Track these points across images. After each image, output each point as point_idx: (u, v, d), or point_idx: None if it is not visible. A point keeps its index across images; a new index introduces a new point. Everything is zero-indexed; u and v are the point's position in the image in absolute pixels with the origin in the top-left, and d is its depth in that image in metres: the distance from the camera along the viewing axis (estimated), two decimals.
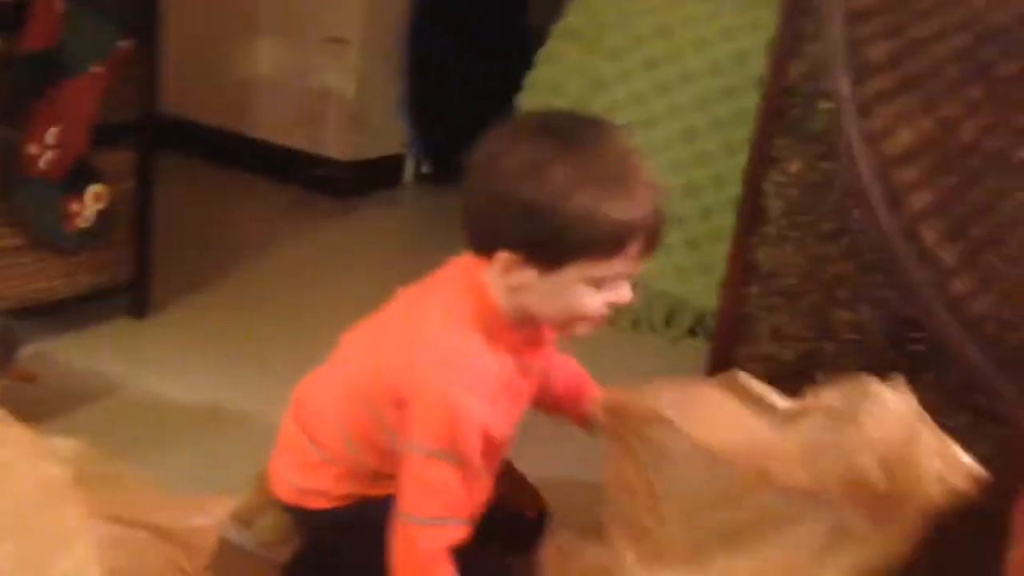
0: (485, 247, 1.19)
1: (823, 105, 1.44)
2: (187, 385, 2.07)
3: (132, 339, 2.25)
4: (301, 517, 1.39)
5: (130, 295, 2.31)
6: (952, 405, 1.33)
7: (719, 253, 2.03)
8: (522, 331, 1.25)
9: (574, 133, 1.18)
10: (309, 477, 1.35)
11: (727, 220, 1.94)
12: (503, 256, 1.17)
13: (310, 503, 1.35)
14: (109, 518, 1.09)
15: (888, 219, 1.36)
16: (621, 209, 1.14)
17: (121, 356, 2.15)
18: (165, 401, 2.00)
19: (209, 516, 1.17)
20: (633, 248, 1.16)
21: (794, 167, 1.49)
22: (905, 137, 1.34)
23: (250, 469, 1.58)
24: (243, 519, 1.47)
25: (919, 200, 1.33)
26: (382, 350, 1.28)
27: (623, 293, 1.20)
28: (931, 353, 1.34)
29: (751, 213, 1.56)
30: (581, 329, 1.23)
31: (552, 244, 1.14)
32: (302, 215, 3.32)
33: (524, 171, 1.14)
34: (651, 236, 1.17)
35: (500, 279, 1.19)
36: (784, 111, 1.49)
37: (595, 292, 1.17)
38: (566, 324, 1.23)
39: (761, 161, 1.53)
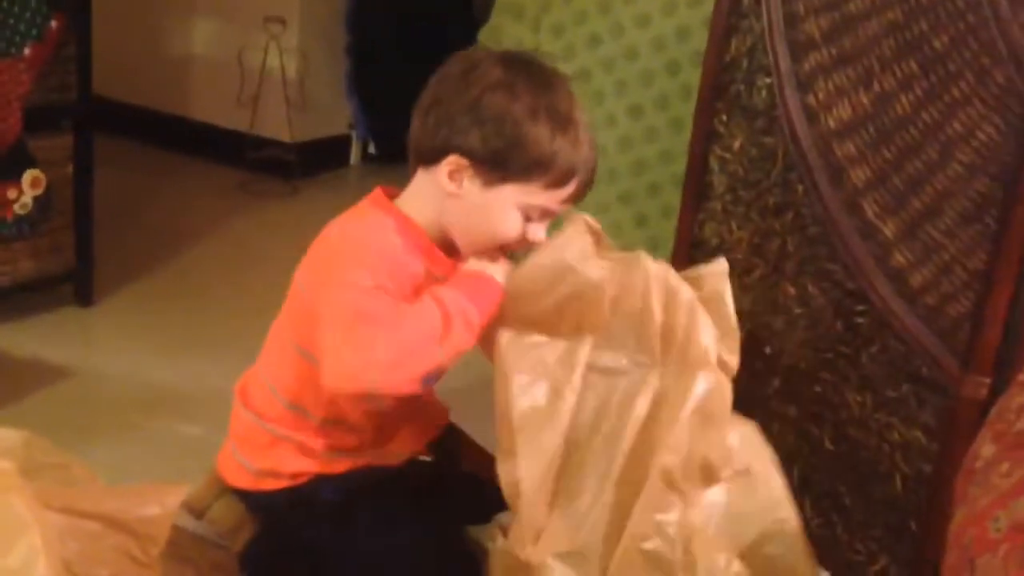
0: (436, 151, 1.24)
1: (763, 80, 1.45)
2: (135, 373, 2.05)
3: (78, 327, 2.22)
4: (256, 501, 1.39)
5: (74, 283, 2.27)
6: (896, 375, 1.36)
7: (668, 229, 2.04)
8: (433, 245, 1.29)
9: (540, 70, 1.27)
10: (261, 457, 1.35)
11: (675, 196, 1.95)
12: (453, 159, 1.22)
13: (264, 485, 1.35)
14: (58, 509, 1.08)
15: (830, 193, 1.38)
16: (574, 148, 1.23)
17: (68, 345, 2.12)
18: (113, 389, 1.97)
19: (161, 505, 1.16)
20: (569, 188, 1.24)
21: (737, 143, 1.50)
22: (844, 111, 1.36)
23: (201, 455, 1.56)
24: (195, 508, 1.46)
25: (859, 173, 1.35)
26: (297, 295, 1.31)
27: (539, 234, 1.27)
28: (874, 324, 1.37)
29: (696, 189, 1.57)
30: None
31: (507, 156, 1.21)
32: (247, 197, 3.28)
33: (500, 84, 1.23)
34: (585, 184, 1.27)
35: (438, 185, 1.24)
36: (725, 87, 1.50)
37: (520, 221, 1.25)
38: (480, 248, 1.28)
39: (704, 137, 1.54)
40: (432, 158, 1.26)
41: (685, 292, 1.15)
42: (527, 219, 1.25)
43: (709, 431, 1.16)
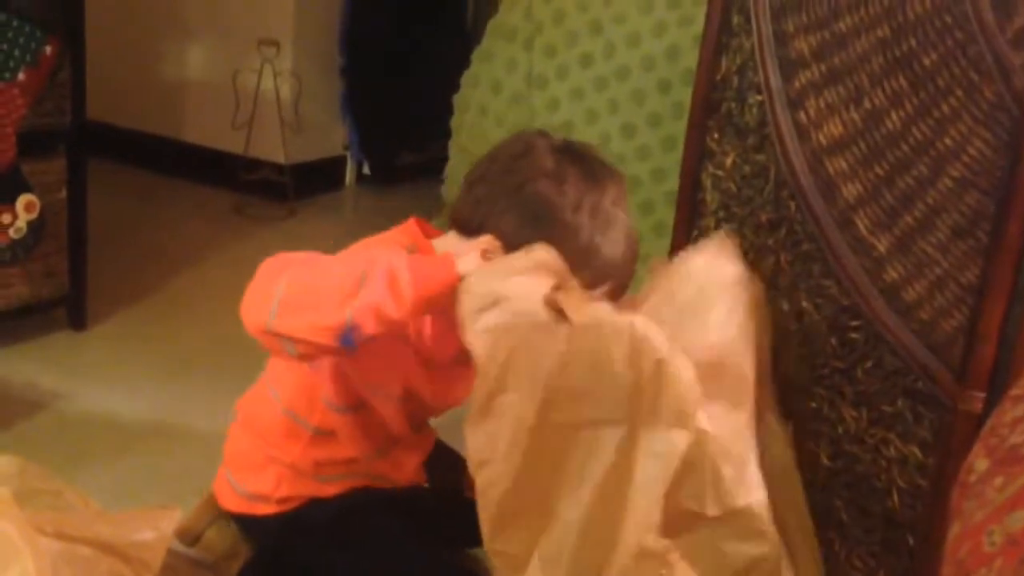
0: (473, 226, 1.24)
1: (754, 98, 1.46)
2: (129, 397, 2.04)
3: (72, 352, 2.22)
4: (249, 526, 1.39)
5: (68, 307, 2.27)
6: (891, 390, 1.36)
7: (661, 247, 2.04)
8: None
9: (592, 166, 1.25)
10: (252, 480, 1.36)
11: (668, 214, 1.95)
12: (487, 239, 1.20)
13: (256, 510, 1.36)
14: (52, 535, 1.07)
15: (822, 209, 1.38)
16: (611, 251, 1.22)
17: (61, 369, 2.12)
18: (107, 414, 1.97)
19: (155, 529, 1.16)
20: (601, 289, 1.23)
21: (729, 160, 1.51)
22: (835, 128, 1.36)
23: (195, 481, 1.56)
24: (188, 535, 1.46)
25: (851, 189, 1.35)
26: None
27: None
28: (869, 340, 1.37)
29: (689, 206, 1.57)
30: None
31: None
32: (242, 220, 3.29)
33: (548, 175, 1.21)
34: (619, 287, 1.25)
35: (470, 255, 1.19)
36: (717, 105, 1.51)
37: None
38: None
39: (697, 155, 1.54)
40: (468, 231, 1.24)
41: (654, 351, 1.10)
42: None
43: (687, 482, 1.12)
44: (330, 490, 1.34)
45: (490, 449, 1.13)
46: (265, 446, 1.35)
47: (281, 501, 1.34)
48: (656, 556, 1.12)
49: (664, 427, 1.10)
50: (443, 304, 1.11)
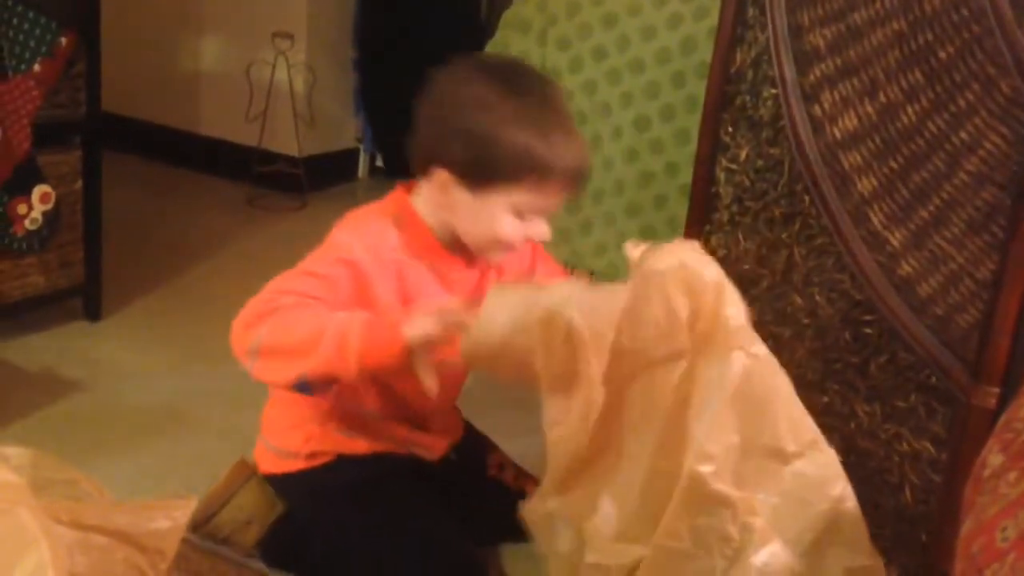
0: (426, 163, 1.33)
1: (769, 91, 1.45)
2: (143, 387, 2.05)
3: (87, 342, 2.23)
4: (282, 485, 1.44)
5: (83, 297, 2.28)
6: (905, 386, 1.36)
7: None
8: (447, 248, 1.37)
9: (522, 79, 1.33)
10: (283, 438, 1.43)
11: (681, 208, 1.95)
12: (438, 172, 1.30)
13: (287, 467, 1.42)
14: (67, 523, 1.08)
15: (837, 203, 1.38)
16: (549, 150, 1.28)
17: (76, 359, 2.13)
18: (121, 404, 1.98)
19: (171, 519, 1.16)
20: (555, 186, 1.30)
21: (743, 153, 1.50)
22: (850, 122, 1.36)
23: (210, 470, 1.56)
24: (196, 520, 1.47)
25: (866, 183, 1.35)
26: None
27: (541, 231, 1.33)
28: (883, 335, 1.36)
29: (703, 200, 1.57)
30: (498, 255, 1.37)
31: (484, 163, 1.27)
32: (256, 212, 3.30)
33: (474, 102, 1.28)
34: (573, 179, 1.32)
35: (433, 195, 1.33)
36: (731, 98, 1.51)
37: (516, 222, 1.31)
38: (485, 247, 1.35)
39: (710, 148, 1.54)
40: (423, 171, 1.33)
41: (710, 278, 1.11)
42: (523, 218, 1.31)
43: (759, 416, 1.11)
44: (358, 447, 1.40)
45: (564, 412, 1.17)
46: (296, 406, 1.39)
47: (310, 456, 1.41)
48: (728, 504, 1.10)
49: (721, 350, 1.10)
50: (393, 367, 1.20)
